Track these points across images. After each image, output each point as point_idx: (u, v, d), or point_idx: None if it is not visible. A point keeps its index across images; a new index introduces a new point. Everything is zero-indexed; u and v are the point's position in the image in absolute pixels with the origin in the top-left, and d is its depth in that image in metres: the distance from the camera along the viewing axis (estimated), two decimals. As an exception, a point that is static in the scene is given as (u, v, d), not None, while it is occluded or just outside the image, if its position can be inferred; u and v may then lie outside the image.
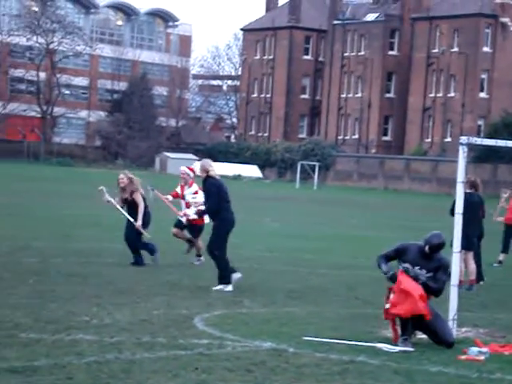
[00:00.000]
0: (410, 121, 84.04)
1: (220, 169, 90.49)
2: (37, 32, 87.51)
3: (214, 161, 77.61)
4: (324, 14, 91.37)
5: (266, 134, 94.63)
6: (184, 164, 77.07)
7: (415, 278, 9.58)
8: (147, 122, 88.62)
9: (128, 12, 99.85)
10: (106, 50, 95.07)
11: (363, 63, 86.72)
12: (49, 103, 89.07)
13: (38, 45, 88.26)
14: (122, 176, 15.30)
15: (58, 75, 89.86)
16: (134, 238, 15.20)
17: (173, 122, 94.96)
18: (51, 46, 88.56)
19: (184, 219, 15.78)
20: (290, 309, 11.69)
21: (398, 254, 9.84)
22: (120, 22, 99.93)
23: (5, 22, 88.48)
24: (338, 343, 9.37)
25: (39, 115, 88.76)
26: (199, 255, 16.16)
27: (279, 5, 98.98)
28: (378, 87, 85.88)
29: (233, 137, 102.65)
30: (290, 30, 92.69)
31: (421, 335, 9.85)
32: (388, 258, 9.91)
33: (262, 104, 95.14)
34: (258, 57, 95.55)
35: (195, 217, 14.65)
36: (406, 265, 9.72)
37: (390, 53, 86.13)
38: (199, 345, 8.96)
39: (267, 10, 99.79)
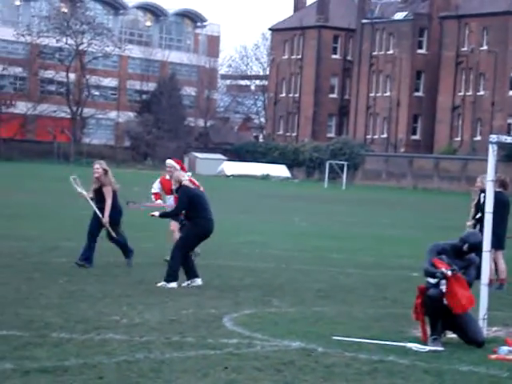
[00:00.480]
0: (439, 119, 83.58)
1: (248, 169, 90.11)
2: (66, 33, 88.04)
3: (242, 161, 77.45)
4: (352, 12, 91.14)
5: (294, 134, 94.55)
6: (213, 164, 77.51)
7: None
8: (176, 122, 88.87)
9: (156, 13, 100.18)
10: (134, 51, 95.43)
11: (392, 62, 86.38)
12: (78, 104, 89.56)
13: (67, 46, 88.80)
14: (97, 166, 14.75)
15: (88, 76, 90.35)
16: (96, 232, 14.71)
17: (201, 122, 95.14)
18: (81, 48, 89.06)
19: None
20: (318, 308, 11.67)
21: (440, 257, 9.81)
22: (149, 23, 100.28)
23: (35, 23, 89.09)
24: (367, 343, 9.34)
25: (69, 116, 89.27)
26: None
27: (307, 4, 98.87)
28: (406, 86, 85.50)
29: (261, 136, 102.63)
30: (319, 29, 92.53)
31: (451, 334, 9.80)
32: (434, 264, 9.81)
33: (290, 103, 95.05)
34: (286, 56, 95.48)
35: (156, 215, 14.04)
36: (442, 257, 9.72)
37: (419, 51, 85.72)
38: (228, 344, 8.97)
39: (295, 9, 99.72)
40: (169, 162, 15.60)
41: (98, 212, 14.73)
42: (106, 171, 14.65)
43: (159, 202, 15.64)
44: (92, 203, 14.87)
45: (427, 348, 9.27)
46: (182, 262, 12.97)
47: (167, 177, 15.39)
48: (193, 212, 13.00)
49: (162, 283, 12.82)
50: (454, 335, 9.79)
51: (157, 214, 13.64)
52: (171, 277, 12.85)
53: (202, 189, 13.80)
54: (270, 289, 13.14)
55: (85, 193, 14.95)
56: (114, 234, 14.76)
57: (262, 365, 8.19)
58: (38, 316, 9.90)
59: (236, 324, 10.13)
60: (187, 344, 8.92)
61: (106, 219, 14.61)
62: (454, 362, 8.76)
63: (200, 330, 9.70)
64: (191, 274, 13.14)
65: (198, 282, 13.10)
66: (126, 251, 14.95)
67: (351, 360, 8.59)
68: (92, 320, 9.87)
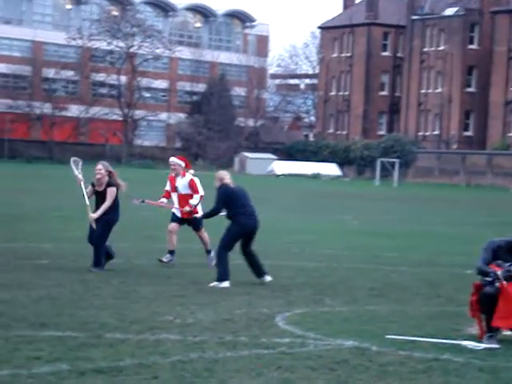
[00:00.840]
0: (491, 115, 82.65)
1: (298, 168, 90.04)
2: (117, 36, 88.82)
3: (293, 160, 77.28)
4: (402, 9, 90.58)
5: (344, 132, 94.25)
6: (263, 164, 77.43)
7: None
8: (226, 122, 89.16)
9: (206, 14, 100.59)
10: (184, 53, 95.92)
11: (443, 58, 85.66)
12: (130, 106, 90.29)
13: (118, 49, 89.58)
14: (99, 167, 13.90)
15: (139, 78, 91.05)
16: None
17: (251, 122, 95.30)
18: (131, 50, 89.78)
19: (179, 213, 15.06)
20: (371, 307, 11.62)
21: (495, 254, 9.69)
22: (198, 24, 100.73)
23: (86, 27, 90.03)
24: (421, 341, 9.28)
25: (121, 118, 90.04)
26: (208, 251, 15.17)
27: (356, 2, 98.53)
28: (458, 82, 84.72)
29: (311, 135, 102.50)
30: (368, 26, 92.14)
31: (506, 332, 9.69)
32: (488, 262, 9.71)
33: (340, 102, 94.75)
34: (335, 54, 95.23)
35: (199, 216, 14.16)
36: (499, 262, 9.59)
37: (470, 47, 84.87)
38: (281, 344, 8.97)
39: (345, 7, 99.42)
40: (172, 159, 15.38)
41: (86, 199, 13.98)
42: (110, 173, 13.95)
43: (163, 200, 15.28)
44: (85, 192, 14.07)
45: (482, 345, 9.18)
46: (227, 260, 13.03)
47: (173, 174, 15.25)
48: (232, 210, 13.11)
49: (215, 283, 12.90)
50: (510, 332, 9.68)
51: (199, 215, 13.85)
52: (222, 276, 12.93)
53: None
54: (322, 288, 13.12)
55: (81, 177, 14.15)
56: (94, 237, 13.82)
57: (315, 364, 8.18)
58: (93, 317, 10.01)
59: (288, 323, 10.13)
60: (240, 343, 8.94)
61: (94, 216, 13.81)
62: (509, 360, 8.66)
63: (253, 329, 9.72)
64: (259, 271, 13.31)
65: (268, 278, 13.29)
66: (99, 260, 13.83)
67: (405, 358, 8.53)
68: (146, 320, 9.95)
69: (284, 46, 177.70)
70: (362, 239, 22.13)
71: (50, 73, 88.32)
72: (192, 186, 15.08)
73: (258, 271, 13.34)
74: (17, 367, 7.57)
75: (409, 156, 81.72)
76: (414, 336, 9.48)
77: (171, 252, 15.06)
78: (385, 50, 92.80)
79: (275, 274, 14.36)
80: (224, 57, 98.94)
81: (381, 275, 15.06)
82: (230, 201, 13.10)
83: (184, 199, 15.03)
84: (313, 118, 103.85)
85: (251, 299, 11.78)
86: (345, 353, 8.69)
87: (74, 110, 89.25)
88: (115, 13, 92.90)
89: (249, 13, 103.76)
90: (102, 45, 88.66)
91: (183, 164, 15.17)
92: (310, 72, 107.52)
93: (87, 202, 14.01)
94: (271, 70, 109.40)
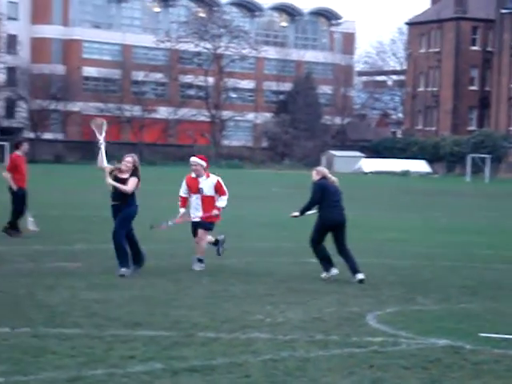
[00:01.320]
0: None
1: (386, 165, 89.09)
2: (204, 38, 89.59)
3: (380, 157, 76.58)
4: (491, 3, 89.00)
5: (433, 128, 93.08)
6: (351, 162, 76.97)
7: None
8: (312, 121, 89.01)
9: (292, 13, 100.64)
10: (270, 52, 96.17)
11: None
12: (217, 107, 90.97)
13: (205, 50, 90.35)
14: (129, 159, 13.52)
15: (226, 79, 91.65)
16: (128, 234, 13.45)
17: (338, 120, 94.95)
18: (218, 51, 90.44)
19: (197, 218, 14.09)
20: (464, 305, 11.46)
21: None
22: (284, 23, 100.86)
23: (173, 29, 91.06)
24: (516, 340, 9.11)
25: (208, 119, 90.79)
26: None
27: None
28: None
29: (399, 132, 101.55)
30: (457, 21, 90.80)
31: None
32: None
33: (429, 97, 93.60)
34: (423, 50, 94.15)
35: (297, 214, 13.73)
36: None
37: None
38: (373, 342, 8.91)
39: (432, 2, 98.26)
40: (194, 159, 14.33)
41: (105, 160, 13.75)
42: (135, 167, 13.48)
43: (181, 210, 14.26)
44: (104, 155, 13.78)
45: None
46: (321, 252, 13.52)
47: (193, 175, 14.25)
48: (321, 204, 13.52)
49: (324, 274, 13.48)
50: None
51: (296, 213, 13.80)
52: (326, 267, 13.54)
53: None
54: (414, 286, 12.99)
55: (102, 141, 13.92)
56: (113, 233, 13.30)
57: (408, 363, 8.11)
58: (185, 316, 10.11)
59: (380, 322, 10.06)
60: (331, 342, 8.92)
61: (112, 183, 13.34)
62: None
63: (344, 328, 9.68)
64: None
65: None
66: (124, 259, 13.25)
67: (500, 357, 8.39)
68: (237, 319, 10.00)
69: (371, 42, 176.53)
70: (454, 236, 21.82)
71: (139, 76, 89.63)
72: (219, 187, 14.17)
73: (353, 269, 13.48)
74: (112, 366, 7.70)
75: (500, 151, 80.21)
76: (508, 334, 9.31)
77: (200, 260, 14.26)
78: (474, 45, 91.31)
79: (366, 272, 14.28)
80: (310, 55, 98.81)
81: (473, 273, 14.82)
82: (322, 195, 13.44)
83: (208, 201, 14.13)
84: (400, 115, 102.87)
85: (340, 298, 11.74)
86: (438, 351, 8.59)
87: (163, 112, 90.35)
88: (202, 14, 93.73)
89: (335, 10, 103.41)
90: (190, 47, 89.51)
91: (205, 164, 14.26)
92: (398, 68, 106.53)
93: (106, 164, 13.73)
94: (358, 68, 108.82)
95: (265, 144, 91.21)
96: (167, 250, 16.83)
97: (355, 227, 21.97)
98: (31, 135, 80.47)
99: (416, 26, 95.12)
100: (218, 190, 14.18)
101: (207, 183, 14.15)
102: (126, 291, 11.77)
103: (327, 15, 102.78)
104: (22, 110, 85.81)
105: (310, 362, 8.04)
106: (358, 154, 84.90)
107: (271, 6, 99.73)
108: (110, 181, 13.44)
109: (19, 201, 18.66)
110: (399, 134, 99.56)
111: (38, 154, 74.85)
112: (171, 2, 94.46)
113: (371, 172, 78.05)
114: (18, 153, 19.01)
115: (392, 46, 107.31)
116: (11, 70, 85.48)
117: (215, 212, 14.16)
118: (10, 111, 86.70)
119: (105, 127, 14.24)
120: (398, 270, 14.99)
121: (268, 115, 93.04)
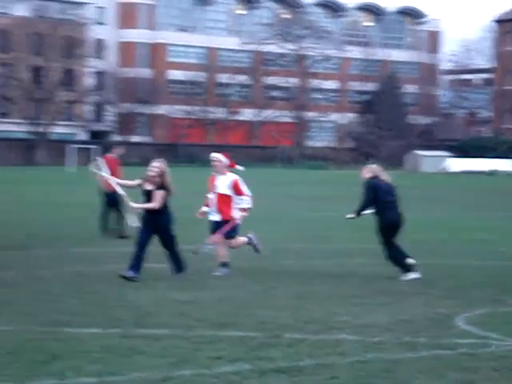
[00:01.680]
0: None
1: (474, 165, 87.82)
2: (288, 39, 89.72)
3: (468, 156, 75.35)
4: None
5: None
6: (437, 162, 75.83)
7: None
8: (397, 120, 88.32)
9: (376, 12, 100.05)
10: (354, 52, 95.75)
11: None
12: (301, 108, 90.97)
13: (289, 51, 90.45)
14: (156, 164, 12.75)
15: (309, 80, 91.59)
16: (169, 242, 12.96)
17: (423, 120, 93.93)
18: (302, 52, 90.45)
19: (216, 218, 13.47)
20: (556, 307, 11.21)
21: None
22: (369, 23, 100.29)
23: (257, 31, 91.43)
24: None
25: (292, 120, 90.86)
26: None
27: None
28: None
29: (485, 131, 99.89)
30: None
31: None
32: None
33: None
34: (511, 48, 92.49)
35: (353, 216, 13.55)
36: None
37: None
38: (462, 344, 8.81)
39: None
40: (214, 154, 13.59)
41: (118, 188, 13.70)
42: (162, 173, 12.73)
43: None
44: (108, 176, 14.49)
45: None
46: (398, 253, 13.41)
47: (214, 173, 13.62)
48: (378, 204, 13.40)
49: (402, 277, 13.32)
50: None
51: (352, 215, 13.66)
52: (404, 268, 13.37)
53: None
54: (503, 287, 12.77)
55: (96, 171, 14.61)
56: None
57: (498, 365, 7.99)
58: (271, 317, 10.14)
59: (468, 323, 9.93)
60: (419, 344, 8.84)
61: (135, 206, 13.02)
62: None
63: (431, 329, 9.58)
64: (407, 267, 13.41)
65: (412, 275, 13.29)
66: (137, 264, 12.72)
67: None
68: (323, 320, 9.99)
69: (457, 40, 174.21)
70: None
71: (224, 78, 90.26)
72: (235, 186, 13.44)
73: (403, 267, 13.42)
74: (200, 367, 7.77)
75: None
76: None
77: (224, 264, 13.66)
78: None
79: (453, 273, 14.11)
80: (395, 54, 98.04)
81: None
82: (376, 194, 13.31)
83: (223, 200, 13.40)
84: (488, 114, 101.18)
85: (427, 299, 11.62)
86: (529, 354, 8.44)
87: (247, 114, 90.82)
88: (286, 16, 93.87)
89: (420, 9, 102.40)
90: (274, 48, 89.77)
91: (226, 161, 13.49)
92: (485, 66, 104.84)
93: (120, 191, 13.82)
94: (444, 66, 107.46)
95: (349, 144, 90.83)
96: (248, 251, 16.90)
97: (442, 228, 21.71)
98: (119, 138, 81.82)
99: (504, 23, 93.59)
100: (235, 189, 13.46)
101: (223, 181, 13.44)
102: (213, 292, 11.87)
103: (412, 14, 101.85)
104: (109, 114, 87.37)
105: (397, 364, 7.98)
106: (443, 153, 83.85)
107: (355, 5, 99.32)
108: (133, 205, 13.11)
109: (113, 203, 18.61)
110: (486, 133, 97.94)
111: (126, 156, 76.10)
112: (255, 4, 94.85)
113: (458, 171, 76.94)
114: (111, 155, 18.86)
115: (479, 43, 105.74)
116: (99, 75, 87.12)
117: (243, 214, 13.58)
118: (98, 115, 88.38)
119: (99, 162, 14.83)
120: (486, 270, 14.76)
121: (351, 115, 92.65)
